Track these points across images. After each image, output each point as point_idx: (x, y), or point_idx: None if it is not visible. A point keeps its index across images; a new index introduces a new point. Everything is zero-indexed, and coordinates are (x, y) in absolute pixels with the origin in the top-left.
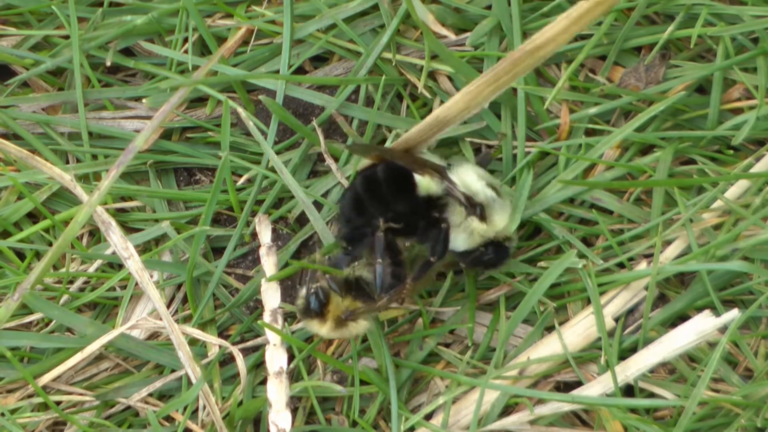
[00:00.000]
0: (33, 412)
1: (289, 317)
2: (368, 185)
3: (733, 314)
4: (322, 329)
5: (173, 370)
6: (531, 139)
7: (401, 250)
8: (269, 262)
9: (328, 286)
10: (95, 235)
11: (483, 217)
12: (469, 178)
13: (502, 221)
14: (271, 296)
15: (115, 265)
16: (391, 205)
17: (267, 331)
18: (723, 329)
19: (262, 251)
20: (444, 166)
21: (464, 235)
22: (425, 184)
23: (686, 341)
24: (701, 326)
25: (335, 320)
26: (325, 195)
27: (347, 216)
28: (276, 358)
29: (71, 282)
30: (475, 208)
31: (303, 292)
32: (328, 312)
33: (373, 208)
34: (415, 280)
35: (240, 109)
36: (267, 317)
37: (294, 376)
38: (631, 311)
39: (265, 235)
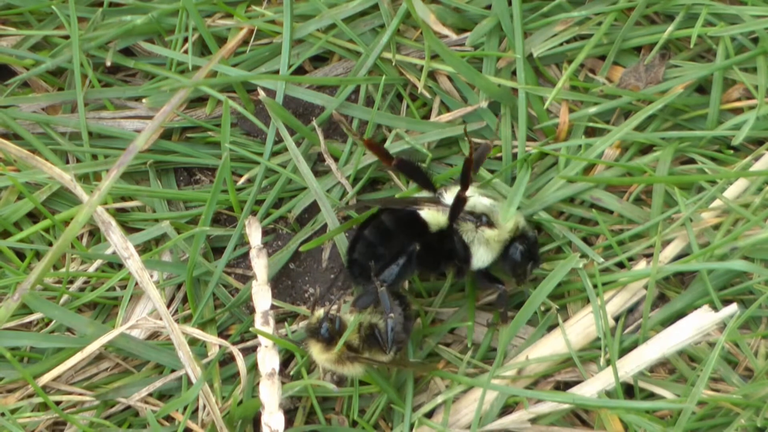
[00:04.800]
0: (33, 412)
1: (288, 318)
2: (382, 236)
3: (732, 309)
4: (320, 356)
5: (173, 370)
6: (531, 138)
7: (410, 303)
8: (259, 264)
9: (343, 320)
10: (95, 235)
11: (491, 224)
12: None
13: (509, 220)
14: (261, 298)
15: (115, 264)
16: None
17: None
18: (722, 326)
19: (253, 253)
20: (437, 196)
21: (483, 248)
22: (433, 219)
23: (685, 336)
24: (700, 321)
25: (337, 354)
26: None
27: (362, 267)
28: (268, 360)
29: (71, 282)
30: (480, 218)
31: (320, 312)
32: (334, 344)
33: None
34: None
35: (262, 92)
36: (258, 319)
37: (293, 376)
38: (630, 311)
39: (255, 237)
